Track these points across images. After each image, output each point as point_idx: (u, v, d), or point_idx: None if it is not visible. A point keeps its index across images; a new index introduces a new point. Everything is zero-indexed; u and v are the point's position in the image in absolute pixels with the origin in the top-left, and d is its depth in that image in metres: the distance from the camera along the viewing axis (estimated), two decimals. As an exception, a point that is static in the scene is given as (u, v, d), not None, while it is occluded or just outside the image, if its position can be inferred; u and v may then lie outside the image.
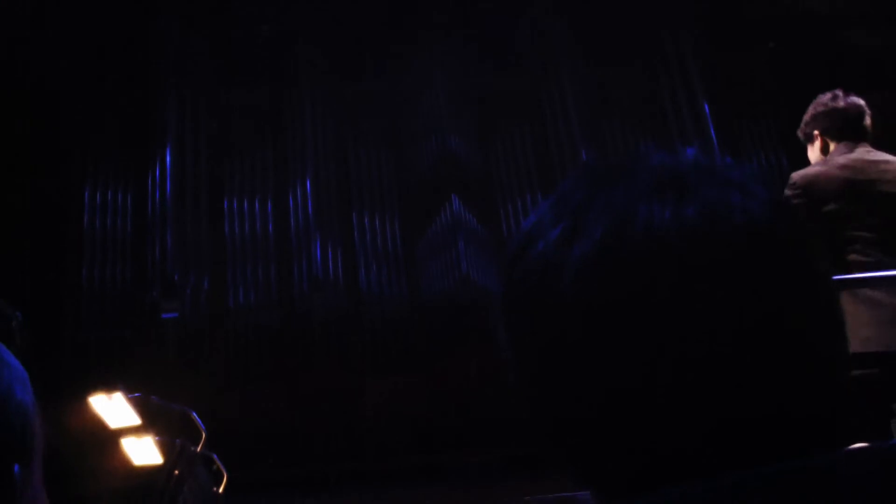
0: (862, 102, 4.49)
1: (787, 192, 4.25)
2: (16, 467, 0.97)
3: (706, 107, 10.34)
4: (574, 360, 0.71)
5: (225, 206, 9.97)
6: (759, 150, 10.41)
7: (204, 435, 6.07)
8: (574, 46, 10.75)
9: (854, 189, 4.20)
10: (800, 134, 4.66)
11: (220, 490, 6.18)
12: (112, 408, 5.84)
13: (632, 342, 0.69)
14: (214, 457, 6.22)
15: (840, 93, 4.51)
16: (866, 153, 4.35)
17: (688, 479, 0.66)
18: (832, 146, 4.44)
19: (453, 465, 8.66)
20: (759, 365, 0.68)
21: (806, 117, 4.58)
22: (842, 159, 4.31)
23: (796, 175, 4.35)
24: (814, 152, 4.54)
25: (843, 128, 4.41)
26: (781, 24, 10.53)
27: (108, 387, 5.78)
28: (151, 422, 6.13)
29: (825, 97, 4.51)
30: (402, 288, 9.72)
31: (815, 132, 4.50)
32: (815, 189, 4.22)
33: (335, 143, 10.30)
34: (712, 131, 10.17)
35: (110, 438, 6.06)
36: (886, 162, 4.33)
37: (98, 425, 5.95)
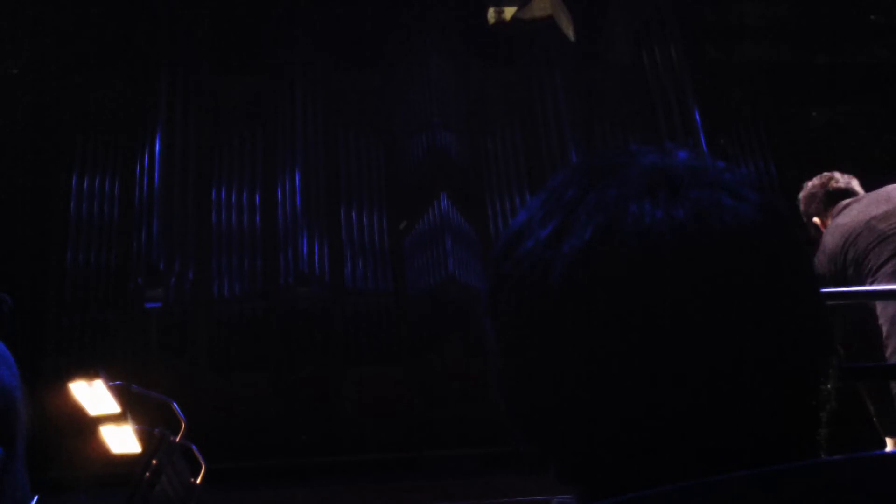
0: (825, 176, 4.50)
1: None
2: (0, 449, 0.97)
3: (696, 112, 10.36)
4: (561, 353, 0.72)
5: (213, 197, 9.94)
6: (747, 156, 10.44)
7: (184, 425, 6.03)
8: (566, 46, 10.76)
9: (856, 240, 4.11)
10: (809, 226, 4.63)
11: (198, 481, 6.14)
12: (92, 395, 5.79)
13: (619, 335, 0.69)
14: (193, 447, 6.18)
15: (806, 183, 4.57)
16: (856, 204, 4.28)
17: (672, 478, 0.66)
18: (829, 216, 4.41)
19: (432, 460, 8.67)
20: (743, 363, 0.69)
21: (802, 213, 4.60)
22: (840, 219, 4.26)
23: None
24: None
25: (825, 201, 4.42)
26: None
27: (89, 373, 5.73)
28: (131, 410, 6.09)
29: (802, 192, 4.56)
30: (387, 283, 9.71)
31: (812, 219, 4.50)
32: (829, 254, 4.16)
33: (325, 136, 10.28)
34: (702, 136, 10.19)
35: (89, 425, 6.01)
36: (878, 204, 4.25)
37: (77, 411, 5.91)
